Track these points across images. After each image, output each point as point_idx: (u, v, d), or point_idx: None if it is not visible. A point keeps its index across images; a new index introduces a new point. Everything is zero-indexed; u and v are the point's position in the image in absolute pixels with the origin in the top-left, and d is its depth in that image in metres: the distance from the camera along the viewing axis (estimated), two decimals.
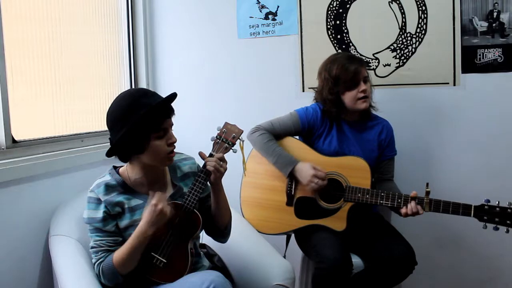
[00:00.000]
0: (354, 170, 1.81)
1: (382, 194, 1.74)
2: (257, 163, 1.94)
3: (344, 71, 1.81)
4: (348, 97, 1.84)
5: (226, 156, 1.51)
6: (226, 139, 1.52)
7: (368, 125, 1.93)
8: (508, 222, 1.58)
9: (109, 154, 1.42)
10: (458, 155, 2.13)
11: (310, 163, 1.80)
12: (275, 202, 1.90)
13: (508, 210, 1.58)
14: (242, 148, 1.58)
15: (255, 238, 1.81)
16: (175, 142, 1.44)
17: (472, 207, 1.61)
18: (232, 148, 1.52)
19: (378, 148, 1.91)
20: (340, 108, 1.88)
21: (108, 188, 1.45)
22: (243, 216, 1.95)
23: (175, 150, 1.59)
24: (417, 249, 1.72)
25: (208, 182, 1.49)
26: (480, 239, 2.12)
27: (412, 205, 1.66)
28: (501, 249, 2.10)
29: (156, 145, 1.40)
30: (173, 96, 1.43)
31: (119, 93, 1.44)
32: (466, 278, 2.18)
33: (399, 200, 1.70)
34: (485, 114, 2.08)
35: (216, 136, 1.53)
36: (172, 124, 1.45)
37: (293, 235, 1.98)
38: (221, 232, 1.60)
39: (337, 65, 1.84)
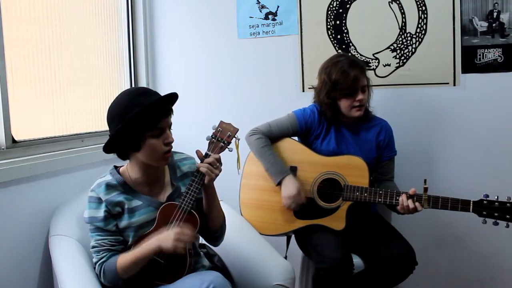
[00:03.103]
0: (352, 169, 1.81)
1: (380, 192, 1.74)
2: (255, 165, 1.94)
3: (344, 78, 1.79)
4: (344, 104, 1.84)
5: (223, 156, 1.51)
6: (221, 138, 1.51)
7: (366, 126, 1.93)
8: (507, 216, 1.57)
9: (105, 149, 1.42)
10: (458, 155, 2.13)
11: (297, 185, 1.81)
12: (274, 203, 1.90)
13: (507, 204, 1.57)
14: (237, 147, 1.57)
15: (255, 238, 1.81)
16: (171, 142, 1.43)
17: (471, 202, 1.61)
18: (228, 147, 1.52)
19: (376, 148, 1.91)
20: (336, 112, 1.88)
21: (109, 187, 1.45)
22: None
23: (175, 150, 1.59)
24: (417, 249, 1.72)
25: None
26: (480, 238, 2.12)
27: (408, 202, 1.66)
28: (501, 248, 2.10)
29: (151, 144, 1.39)
30: (172, 96, 1.43)
31: (119, 92, 1.45)
32: (466, 277, 2.18)
33: (397, 198, 1.70)
34: (485, 114, 2.08)
35: (212, 135, 1.52)
36: (170, 124, 1.45)
37: (293, 235, 1.98)
38: (213, 236, 1.59)
39: (338, 70, 1.81)
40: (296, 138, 1.98)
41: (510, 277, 2.12)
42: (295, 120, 1.92)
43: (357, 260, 1.79)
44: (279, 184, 1.84)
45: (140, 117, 1.34)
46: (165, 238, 1.36)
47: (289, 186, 1.81)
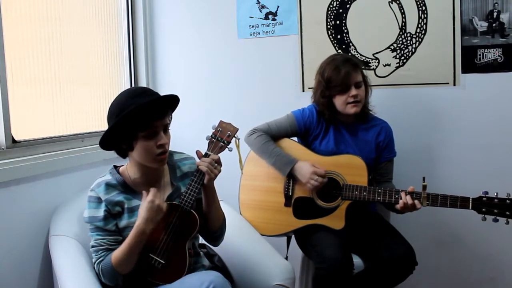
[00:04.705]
0: (351, 168, 1.81)
1: (379, 190, 1.74)
2: (255, 165, 1.94)
3: (335, 75, 1.80)
4: (339, 101, 1.84)
5: (224, 156, 1.50)
6: (221, 138, 1.50)
7: (366, 127, 1.93)
8: (507, 213, 1.57)
9: (101, 145, 1.41)
10: (457, 155, 2.13)
11: (309, 162, 1.80)
12: (274, 204, 1.90)
13: (507, 201, 1.57)
14: (238, 147, 1.56)
15: (255, 238, 1.81)
16: (164, 144, 1.40)
17: (470, 199, 1.61)
18: (228, 146, 1.51)
19: (375, 149, 1.91)
20: (333, 111, 1.88)
21: (109, 187, 1.45)
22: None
23: (176, 150, 1.59)
24: (417, 249, 1.72)
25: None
26: (480, 239, 2.12)
27: (407, 198, 1.66)
28: (501, 248, 2.10)
29: (144, 144, 1.38)
30: (170, 98, 1.41)
31: (120, 92, 1.45)
32: (466, 278, 2.18)
33: (396, 196, 1.70)
34: (485, 114, 2.08)
35: (211, 135, 1.51)
36: (166, 125, 1.42)
37: (293, 236, 1.98)
38: (212, 236, 1.58)
39: (330, 68, 1.83)
40: (295, 138, 1.98)
41: (510, 277, 2.12)
42: (294, 121, 1.92)
43: (356, 260, 1.79)
44: (289, 174, 1.83)
45: (132, 116, 1.34)
46: (141, 211, 1.38)
47: (303, 169, 1.80)
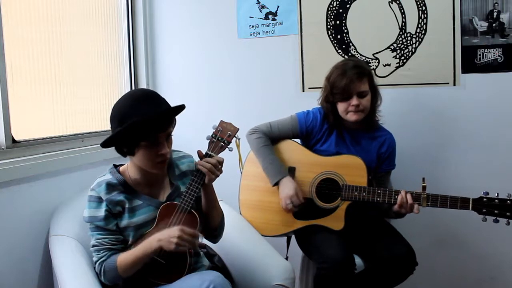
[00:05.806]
0: (351, 168, 1.80)
1: (379, 191, 1.73)
2: (255, 166, 1.94)
3: (339, 81, 1.78)
4: (340, 108, 1.83)
5: (223, 156, 1.50)
6: (221, 137, 1.50)
7: (370, 136, 1.90)
8: (508, 214, 1.57)
9: (103, 146, 1.41)
10: (458, 155, 2.13)
11: (295, 186, 1.80)
12: (273, 204, 1.89)
13: (508, 201, 1.57)
14: (238, 146, 1.56)
15: (255, 238, 1.81)
16: (165, 154, 1.40)
17: (470, 199, 1.60)
18: (228, 146, 1.51)
19: (376, 160, 1.89)
20: (337, 116, 1.86)
21: (109, 187, 1.45)
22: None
23: (174, 148, 1.59)
24: (417, 249, 1.72)
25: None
26: (480, 239, 2.12)
27: (407, 197, 1.65)
28: (501, 248, 2.10)
29: (145, 152, 1.38)
30: (175, 110, 1.39)
31: (119, 93, 1.44)
32: (466, 278, 2.18)
33: (396, 196, 1.70)
34: (485, 114, 2.08)
35: (212, 135, 1.51)
36: (169, 135, 1.42)
37: (293, 236, 1.98)
38: (212, 233, 1.59)
39: (337, 73, 1.80)
40: (297, 140, 1.98)
41: (510, 277, 2.12)
42: (297, 124, 1.91)
43: (357, 260, 1.79)
44: (275, 184, 1.84)
45: (135, 127, 1.32)
46: (167, 238, 1.36)
47: (287, 187, 1.80)
